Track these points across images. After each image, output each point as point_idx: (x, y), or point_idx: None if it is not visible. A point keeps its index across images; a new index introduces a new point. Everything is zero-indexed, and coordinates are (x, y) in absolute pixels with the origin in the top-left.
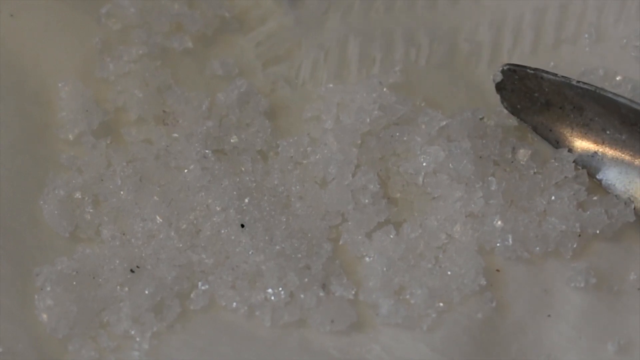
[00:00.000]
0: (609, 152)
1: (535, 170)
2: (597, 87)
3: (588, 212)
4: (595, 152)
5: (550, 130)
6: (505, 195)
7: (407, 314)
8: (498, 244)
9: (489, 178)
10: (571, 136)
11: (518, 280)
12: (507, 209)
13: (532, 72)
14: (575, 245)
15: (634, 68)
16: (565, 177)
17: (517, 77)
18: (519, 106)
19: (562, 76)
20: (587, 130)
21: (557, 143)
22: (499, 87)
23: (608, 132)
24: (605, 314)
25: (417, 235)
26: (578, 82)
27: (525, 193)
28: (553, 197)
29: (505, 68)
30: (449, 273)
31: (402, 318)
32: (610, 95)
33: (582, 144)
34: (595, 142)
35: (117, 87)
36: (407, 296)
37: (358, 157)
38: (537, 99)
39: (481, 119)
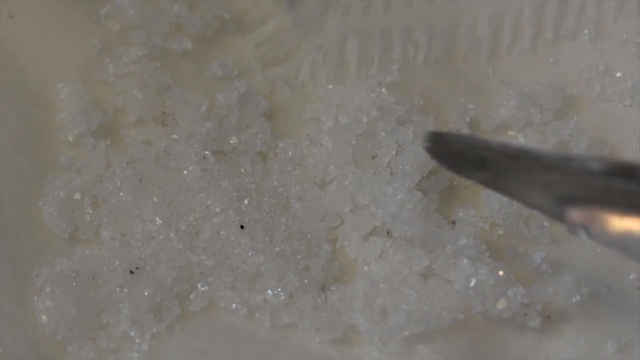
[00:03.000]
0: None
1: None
2: (514, 148)
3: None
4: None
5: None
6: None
7: (384, 337)
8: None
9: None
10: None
11: None
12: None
13: (452, 138)
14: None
15: (634, 64)
16: None
17: (442, 142)
18: (456, 167)
19: (481, 140)
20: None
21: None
22: (431, 153)
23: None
24: (605, 314)
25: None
26: (498, 144)
27: None
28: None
29: (427, 137)
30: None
31: (380, 340)
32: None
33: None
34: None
35: (117, 88)
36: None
37: (353, 155)
38: (470, 160)
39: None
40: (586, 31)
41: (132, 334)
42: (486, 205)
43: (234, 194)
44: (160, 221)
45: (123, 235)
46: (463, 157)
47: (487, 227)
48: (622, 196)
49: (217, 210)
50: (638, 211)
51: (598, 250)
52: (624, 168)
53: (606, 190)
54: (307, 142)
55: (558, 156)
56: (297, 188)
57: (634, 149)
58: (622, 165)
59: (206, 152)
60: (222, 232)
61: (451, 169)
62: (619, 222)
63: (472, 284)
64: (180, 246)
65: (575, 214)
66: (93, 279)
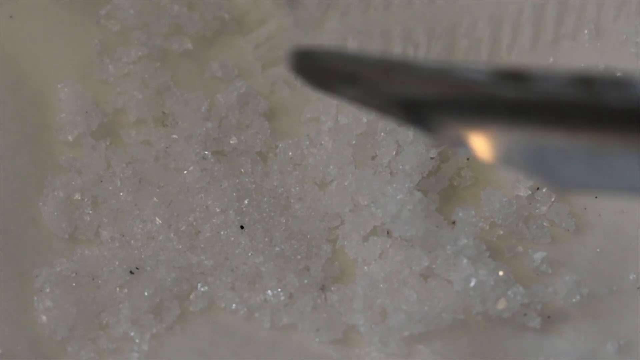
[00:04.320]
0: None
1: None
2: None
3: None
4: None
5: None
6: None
7: (384, 337)
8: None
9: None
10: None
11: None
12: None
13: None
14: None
15: (633, 64)
16: None
17: (307, 59)
18: (323, 85)
19: (352, 53)
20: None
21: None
22: (295, 71)
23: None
24: (605, 314)
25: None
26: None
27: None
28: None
29: (290, 54)
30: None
31: (380, 340)
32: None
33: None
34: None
35: (117, 89)
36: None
37: (353, 156)
38: (339, 76)
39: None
40: (586, 31)
41: (132, 334)
42: (486, 206)
43: (234, 194)
44: (160, 221)
45: (123, 236)
46: (331, 73)
47: (487, 227)
48: (509, 104)
49: (217, 210)
50: (525, 120)
51: (598, 250)
52: (511, 74)
53: (490, 99)
54: (307, 143)
55: (439, 67)
56: (297, 188)
57: None
58: (509, 71)
59: (206, 153)
60: (222, 233)
61: (319, 88)
62: (504, 133)
63: (472, 284)
64: (180, 246)
65: (456, 128)
66: (93, 279)
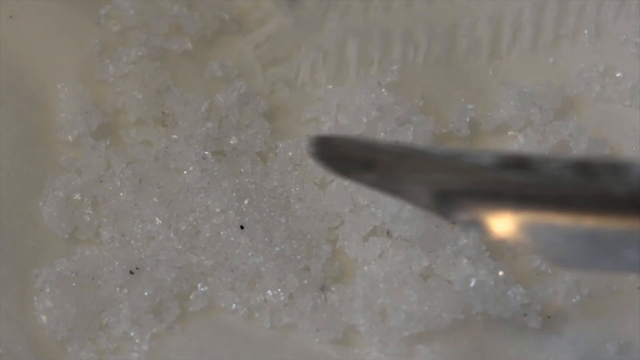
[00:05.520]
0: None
1: None
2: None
3: None
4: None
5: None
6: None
7: (384, 337)
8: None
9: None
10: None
11: None
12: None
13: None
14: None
15: (634, 64)
16: None
17: (326, 146)
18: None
19: (368, 141)
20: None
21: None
22: (316, 158)
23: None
24: (605, 314)
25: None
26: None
27: None
28: None
29: (311, 141)
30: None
31: (380, 341)
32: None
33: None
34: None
35: (117, 89)
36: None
37: None
38: (357, 162)
39: None
40: (586, 31)
41: (132, 334)
42: None
43: (234, 194)
44: (160, 221)
45: (123, 236)
46: (349, 159)
47: None
48: (514, 189)
49: (217, 210)
50: (530, 203)
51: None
52: (515, 161)
53: (497, 184)
54: (307, 143)
55: (448, 153)
56: (297, 188)
57: (634, 149)
58: (513, 158)
59: (206, 153)
60: (222, 233)
61: (338, 173)
62: (511, 215)
63: (472, 284)
64: (180, 246)
65: (465, 211)
66: (93, 279)
